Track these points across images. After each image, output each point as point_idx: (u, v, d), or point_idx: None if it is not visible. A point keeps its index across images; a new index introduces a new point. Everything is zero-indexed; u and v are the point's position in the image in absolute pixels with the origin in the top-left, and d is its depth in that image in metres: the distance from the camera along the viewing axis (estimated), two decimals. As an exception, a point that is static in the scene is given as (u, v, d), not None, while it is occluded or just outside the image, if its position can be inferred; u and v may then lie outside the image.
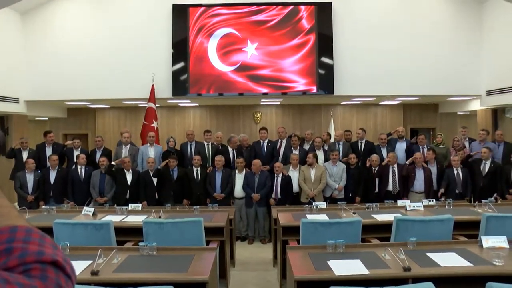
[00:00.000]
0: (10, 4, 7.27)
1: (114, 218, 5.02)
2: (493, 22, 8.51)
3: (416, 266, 3.17)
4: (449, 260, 3.28)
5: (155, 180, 6.91)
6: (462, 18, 8.83)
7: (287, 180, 6.85)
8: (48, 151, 7.66)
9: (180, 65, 8.70)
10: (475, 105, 9.49)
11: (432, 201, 5.86)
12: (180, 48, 8.69)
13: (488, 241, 3.63)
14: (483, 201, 5.60)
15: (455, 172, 6.81)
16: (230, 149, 7.58)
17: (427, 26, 8.77)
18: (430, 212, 5.16)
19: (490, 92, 8.58)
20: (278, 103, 11.17)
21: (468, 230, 4.61)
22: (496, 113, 9.33)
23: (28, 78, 8.70)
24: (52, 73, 8.67)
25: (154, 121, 8.39)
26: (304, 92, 8.79)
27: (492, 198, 6.07)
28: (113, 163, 7.15)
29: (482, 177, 6.86)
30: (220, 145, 7.79)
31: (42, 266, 0.55)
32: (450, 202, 5.63)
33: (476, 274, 3.05)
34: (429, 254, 3.42)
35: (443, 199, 6.38)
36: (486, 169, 6.86)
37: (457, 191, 6.74)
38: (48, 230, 4.08)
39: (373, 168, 7.10)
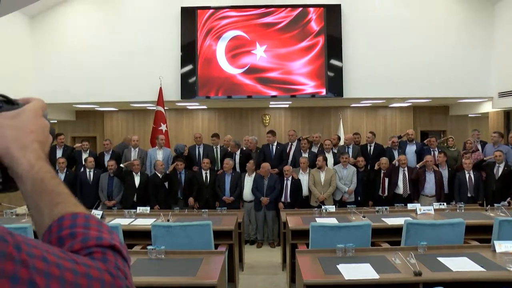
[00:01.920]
0: (19, 8, 7.33)
1: (123, 221, 5.03)
2: (505, 23, 8.39)
3: (427, 271, 3.12)
4: (461, 265, 3.23)
5: (166, 183, 6.92)
6: (473, 19, 8.72)
7: (296, 184, 6.80)
8: (59, 153, 7.70)
9: (188, 67, 8.71)
10: (487, 107, 9.36)
11: (443, 204, 5.78)
12: (189, 51, 8.70)
13: (501, 246, 3.57)
14: (495, 205, 5.51)
15: (467, 175, 6.71)
16: (237, 152, 7.55)
17: (437, 27, 8.68)
18: (441, 216, 5.10)
19: (502, 94, 8.46)
20: (287, 105, 11.14)
21: (480, 234, 4.54)
22: (509, 115, 9.21)
23: (37, 81, 8.76)
24: (61, 76, 8.72)
25: (162, 124, 8.39)
26: (313, 95, 8.75)
27: (505, 202, 5.97)
28: (122, 165, 7.16)
29: (495, 180, 6.74)
30: (229, 148, 7.77)
31: (102, 250, 0.59)
32: (462, 206, 5.55)
33: (489, 280, 3.00)
34: (440, 259, 3.37)
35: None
36: (500, 173, 6.74)
37: (468, 195, 6.65)
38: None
39: (382, 171, 7.03)
